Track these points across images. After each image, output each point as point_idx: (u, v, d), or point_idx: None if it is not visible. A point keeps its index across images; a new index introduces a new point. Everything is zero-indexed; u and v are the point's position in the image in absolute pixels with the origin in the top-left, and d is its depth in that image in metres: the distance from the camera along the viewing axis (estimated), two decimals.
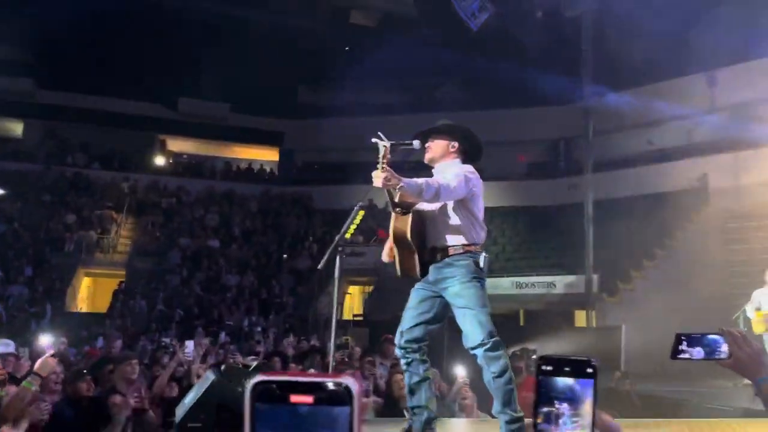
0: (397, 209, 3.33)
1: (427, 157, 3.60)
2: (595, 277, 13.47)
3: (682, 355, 1.66)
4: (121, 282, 17.15)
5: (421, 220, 3.47)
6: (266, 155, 25.04)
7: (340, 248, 3.31)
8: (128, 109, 22.23)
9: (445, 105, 18.46)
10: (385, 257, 3.54)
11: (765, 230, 13.96)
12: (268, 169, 24.56)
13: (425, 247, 3.45)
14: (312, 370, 5.61)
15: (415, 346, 3.45)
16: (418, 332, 3.46)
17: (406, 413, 3.55)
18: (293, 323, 15.28)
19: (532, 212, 19.48)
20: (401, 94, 19.21)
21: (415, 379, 3.46)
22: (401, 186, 3.11)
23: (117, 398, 4.01)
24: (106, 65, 20.12)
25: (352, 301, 17.75)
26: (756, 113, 15.14)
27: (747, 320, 8.75)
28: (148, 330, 13.83)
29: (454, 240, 3.41)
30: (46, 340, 5.80)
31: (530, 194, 20.10)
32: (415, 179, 3.17)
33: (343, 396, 0.54)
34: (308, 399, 0.54)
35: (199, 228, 19.97)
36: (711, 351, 1.67)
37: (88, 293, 18.49)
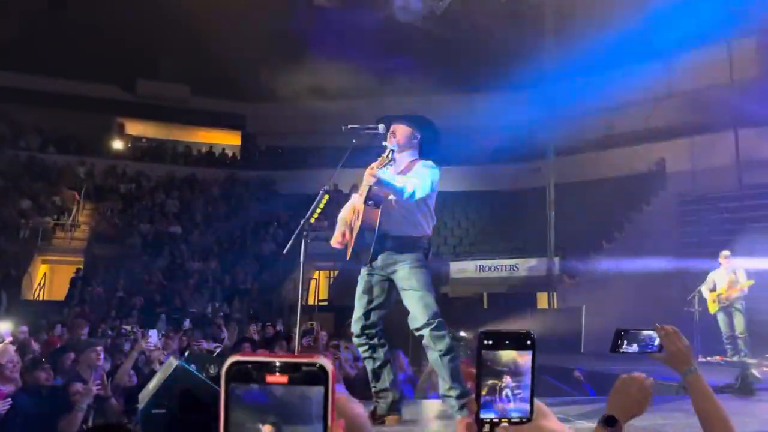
0: (370, 202, 3.44)
1: (392, 141, 3.65)
2: (556, 259, 13.73)
3: (620, 349, 1.80)
4: (78, 269, 16.74)
5: (384, 210, 3.53)
6: (228, 139, 24.65)
7: (304, 233, 3.33)
8: (84, 91, 21.58)
9: (410, 89, 18.45)
10: (335, 243, 3.63)
11: (718, 213, 14.41)
12: (230, 154, 24.19)
13: (378, 234, 3.51)
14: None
15: (372, 332, 3.55)
16: (372, 318, 3.57)
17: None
18: (258, 309, 15.18)
19: (496, 196, 19.69)
20: (365, 78, 19.09)
21: (377, 363, 3.53)
22: (389, 186, 3.30)
23: (78, 386, 3.93)
24: (60, 45, 19.44)
25: (318, 287, 17.71)
26: (711, 99, 15.54)
27: (702, 300, 9.06)
28: (108, 317, 13.56)
29: (409, 230, 3.55)
30: (3, 327, 5.64)
31: (494, 179, 20.29)
32: (397, 180, 3.37)
33: (318, 376, 0.54)
34: (283, 379, 0.53)
35: (160, 214, 19.60)
36: (646, 345, 1.82)
37: (45, 281, 17.99)
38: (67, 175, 20.37)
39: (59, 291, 16.84)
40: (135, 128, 24.39)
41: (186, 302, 15.07)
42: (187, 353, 3.28)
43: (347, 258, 3.58)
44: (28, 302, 15.46)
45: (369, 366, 3.59)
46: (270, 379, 0.53)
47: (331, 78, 19.19)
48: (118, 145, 23.36)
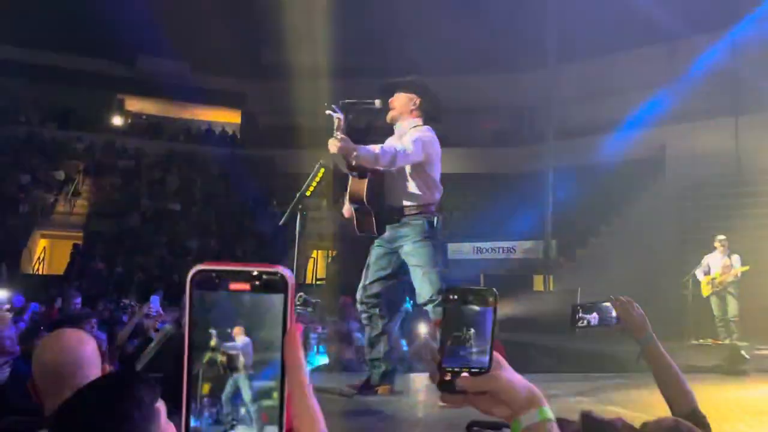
0: (354, 173, 3.43)
1: (390, 115, 3.66)
2: (553, 242, 13.78)
3: (580, 323, 1.84)
4: (77, 244, 16.80)
5: (380, 181, 3.53)
6: (228, 117, 24.56)
7: (300, 206, 3.35)
8: (84, 66, 21.45)
9: (411, 69, 18.37)
10: (346, 213, 3.63)
11: (714, 199, 14.43)
12: (230, 132, 24.13)
13: (383, 206, 3.52)
14: None
15: (374, 301, 3.57)
16: (377, 288, 3.59)
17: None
18: None
19: (495, 179, 19.68)
20: (366, 57, 18.99)
21: (375, 332, 3.58)
22: (356, 154, 3.23)
23: None
24: (60, 20, 19.30)
25: (315, 266, 17.78)
26: (713, 84, 15.48)
27: (696, 283, 9.11)
28: (107, 292, 13.64)
29: (409, 201, 3.52)
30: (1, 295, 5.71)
31: (494, 161, 20.27)
32: (370, 147, 3.30)
33: (278, 284, 0.57)
34: (246, 286, 0.56)
35: (159, 190, 19.61)
36: (603, 317, 1.87)
37: (45, 255, 18.06)
38: (66, 150, 20.34)
39: (58, 265, 16.92)
40: (135, 105, 24.29)
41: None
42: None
43: (357, 233, 3.57)
44: (27, 276, 15.55)
45: (366, 333, 3.66)
46: (233, 286, 0.56)
47: (332, 57, 19.07)
48: (117, 121, 23.29)
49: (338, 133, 3.23)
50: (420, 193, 3.51)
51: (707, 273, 8.97)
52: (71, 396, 1.10)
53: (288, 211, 3.38)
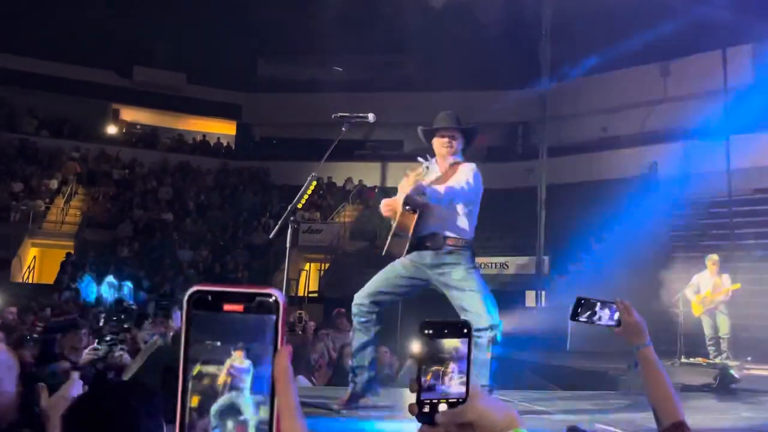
0: (407, 207, 3.48)
1: (449, 152, 3.79)
2: (545, 258, 13.80)
3: (580, 317, 1.82)
4: (69, 253, 16.72)
5: (428, 210, 3.57)
6: (223, 128, 24.61)
7: (292, 218, 3.36)
8: (81, 76, 21.48)
9: (407, 84, 18.49)
10: (386, 211, 3.63)
11: (706, 218, 14.52)
12: (225, 143, 24.17)
13: (426, 231, 3.54)
14: None
15: (375, 309, 3.59)
16: (384, 298, 3.61)
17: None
18: None
19: (489, 195, 19.64)
20: (362, 71, 19.11)
21: (364, 339, 3.58)
22: (426, 195, 3.36)
23: (65, 364, 3.96)
24: (57, 29, 19.35)
25: (308, 278, 17.75)
26: (705, 104, 15.64)
27: (686, 302, 9.14)
28: (98, 302, 13.57)
29: (459, 232, 3.61)
30: None
31: (488, 177, 20.12)
32: (436, 188, 3.42)
33: (270, 305, 0.59)
34: (239, 308, 0.59)
35: (153, 201, 19.58)
36: (606, 316, 1.85)
37: (35, 264, 17.95)
38: (60, 159, 20.30)
39: (49, 274, 16.82)
40: (130, 114, 24.32)
41: (175, 290, 15.08)
42: (172, 334, 3.32)
43: (383, 253, 3.62)
44: (18, 284, 15.44)
45: (356, 339, 3.63)
46: (227, 307, 0.58)
47: (326, 70, 19.19)
48: (112, 130, 23.29)
49: (419, 177, 3.35)
50: (467, 226, 3.65)
51: (698, 292, 9.00)
52: (75, 403, 1.11)
53: (279, 223, 3.39)
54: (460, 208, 3.60)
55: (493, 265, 15.51)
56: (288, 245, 3.34)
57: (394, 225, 3.51)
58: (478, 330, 3.39)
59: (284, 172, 20.51)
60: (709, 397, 4.98)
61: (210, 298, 0.58)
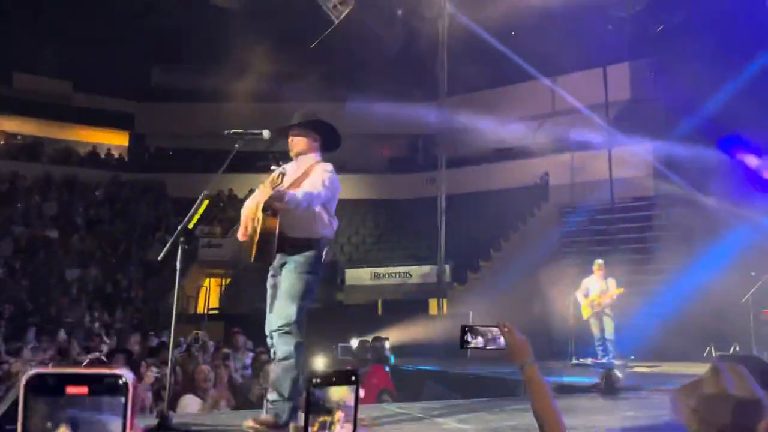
0: (268, 212, 3.46)
1: (293, 151, 3.74)
2: (447, 267, 14.14)
3: (468, 345, 1.89)
4: None
5: (285, 215, 3.54)
6: (114, 139, 23.39)
7: (182, 238, 3.22)
8: None
9: (308, 96, 18.38)
10: (240, 236, 3.62)
11: (593, 224, 15.46)
12: (116, 154, 22.96)
13: (282, 236, 3.51)
14: (154, 369, 5.39)
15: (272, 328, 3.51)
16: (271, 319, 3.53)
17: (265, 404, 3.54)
18: (143, 318, 14.48)
19: (391, 205, 20.02)
20: (260, 82, 18.80)
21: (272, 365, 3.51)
22: (286, 200, 3.33)
23: None
24: None
25: (208, 295, 17.18)
26: (590, 118, 16.68)
27: (577, 305, 9.67)
28: None
29: (304, 232, 3.56)
30: None
31: (390, 188, 20.65)
32: (294, 193, 3.40)
33: (117, 386, 0.55)
34: (83, 390, 0.54)
35: (36, 217, 18.25)
36: (491, 340, 1.92)
37: None
38: None
39: None
40: (10, 125, 22.58)
41: (62, 311, 14.12)
42: (5, 409, 3.05)
43: (251, 260, 3.54)
44: None
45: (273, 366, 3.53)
46: (70, 390, 0.54)
47: (225, 80, 18.75)
48: None
49: (274, 186, 3.31)
50: (312, 223, 3.58)
51: (586, 296, 9.55)
52: None
53: (167, 245, 3.24)
54: (316, 209, 3.59)
55: (397, 275, 15.72)
56: (178, 269, 3.19)
57: (258, 229, 3.46)
58: (268, 332, 3.48)
59: (181, 184, 19.76)
60: (596, 398, 5.27)
61: (50, 381, 0.54)
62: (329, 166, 3.69)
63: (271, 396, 3.37)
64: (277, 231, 3.46)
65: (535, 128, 18.85)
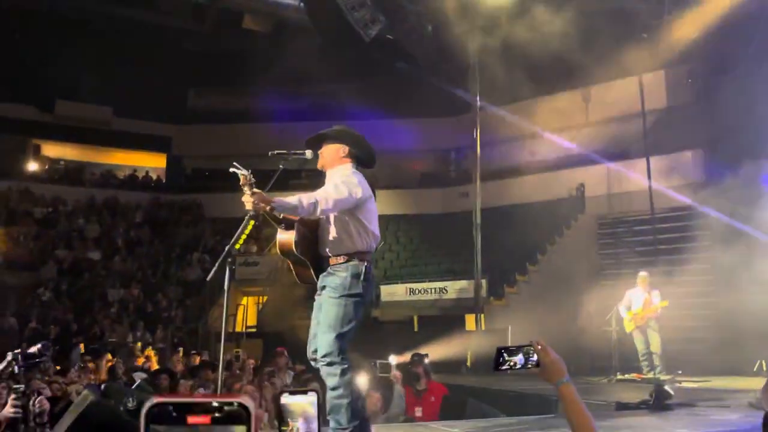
0: (281, 225, 3.36)
1: (319, 164, 3.64)
2: (483, 281, 13.99)
3: (503, 366, 1.88)
4: None
5: (313, 229, 3.50)
6: (152, 162, 23.93)
7: (229, 259, 3.23)
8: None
9: (340, 114, 18.55)
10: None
11: (633, 235, 15.15)
12: (154, 176, 23.47)
13: (318, 255, 3.47)
14: (201, 389, 5.43)
15: (314, 356, 3.44)
16: (315, 340, 3.48)
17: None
18: (182, 337, 14.67)
19: (425, 220, 19.96)
20: (295, 101, 19.07)
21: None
22: (272, 207, 3.17)
23: None
24: None
25: (245, 313, 17.32)
26: (626, 127, 16.43)
27: (619, 319, 9.44)
28: (21, 349, 12.75)
29: (335, 249, 3.42)
30: None
31: (423, 202, 20.61)
32: (288, 198, 3.23)
33: (240, 415, 0.54)
34: (205, 419, 0.53)
35: (78, 239, 18.72)
36: (525, 360, 1.90)
37: None
38: None
39: None
40: (53, 150, 23.32)
41: (105, 331, 14.40)
42: (103, 386, 3.13)
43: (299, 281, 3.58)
44: None
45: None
46: (191, 420, 0.53)
47: (260, 101, 19.06)
48: (33, 167, 22.25)
49: (247, 189, 3.14)
50: (346, 239, 3.41)
51: (629, 308, 9.32)
52: None
53: (216, 265, 3.26)
54: (332, 216, 3.40)
55: (433, 291, 15.60)
56: (226, 287, 3.20)
57: (277, 248, 3.43)
58: (312, 360, 3.42)
59: (217, 205, 20.06)
60: (647, 415, 5.12)
61: (172, 410, 0.52)
62: (348, 168, 3.51)
63: (332, 424, 3.29)
64: (293, 248, 3.34)
65: (569, 139, 18.63)
